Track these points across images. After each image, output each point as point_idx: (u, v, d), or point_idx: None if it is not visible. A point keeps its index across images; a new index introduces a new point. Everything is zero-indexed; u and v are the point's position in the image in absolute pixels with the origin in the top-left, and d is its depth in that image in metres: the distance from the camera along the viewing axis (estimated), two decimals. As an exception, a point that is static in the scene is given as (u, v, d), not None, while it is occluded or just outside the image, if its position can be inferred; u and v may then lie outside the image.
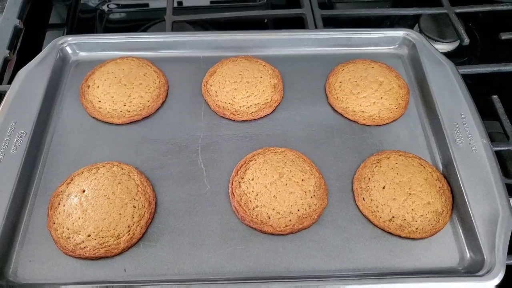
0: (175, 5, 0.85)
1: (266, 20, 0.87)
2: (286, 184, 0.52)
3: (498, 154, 0.55)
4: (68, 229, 0.48)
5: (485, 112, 0.59)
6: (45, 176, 0.54)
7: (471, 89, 0.60)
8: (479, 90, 0.64)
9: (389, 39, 0.68)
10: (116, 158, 0.55)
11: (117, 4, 0.90)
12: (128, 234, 0.48)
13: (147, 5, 0.90)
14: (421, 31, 0.78)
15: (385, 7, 0.88)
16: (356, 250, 0.49)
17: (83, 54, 0.67)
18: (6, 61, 0.67)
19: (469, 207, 0.49)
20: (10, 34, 0.70)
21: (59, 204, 0.51)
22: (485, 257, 0.46)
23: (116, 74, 0.62)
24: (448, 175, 0.54)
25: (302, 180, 0.52)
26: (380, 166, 0.54)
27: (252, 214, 0.50)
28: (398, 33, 0.67)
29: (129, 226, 0.49)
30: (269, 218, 0.50)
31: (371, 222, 0.51)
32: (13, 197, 0.50)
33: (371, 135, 0.59)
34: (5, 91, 0.59)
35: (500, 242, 0.47)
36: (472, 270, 0.47)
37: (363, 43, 0.68)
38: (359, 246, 0.49)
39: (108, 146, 0.57)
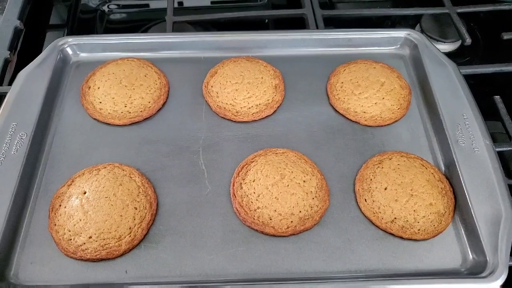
0: (176, 5, 0.85)
1: (267, 21, 0.87)
2: (288, 186, 0.51)
3: (500, 155, 0.55)
4: (69, 231, 0.48)
5: (487, 113, 0.59)
6: (46, 178, 0.54)
7: (473, 89, 0.60)
8: (481, 90, 0.63)
9: (390, 39, 0.68)
10: (117, 159, 0.55)
11: (118, 5, 0.90)
12: (130, 236, 0.48)
13: (147, 5, 0.90)
14: (422, 31, 0.78)
15: (386, 7, 0.88)
16: (358, 251, 0.49)
17: (83, 55, 0.66)
18: (6, 62, 0.67)
19: (471, 208, 0.49)
20: (11, 35, 0.70)
21: (60, 205, 0.50)
22: (487, 258, 0.46)
23: (116, 75, 0.62)
24: (450, 176, 0.54)
25: (304, 181, 0.52)
26: (382, 167, 0.54)
27: (254, 216, 0.50)
28: (400, 33, 0.67)
29: (130, 228, 0.49)
30: (270, 219, 0.50)
31: (373, 223, 0.50)
32: (14, 199, 0.50)
33: (372, 136, 0.58)
34: (6, 93, 0.59)
35: (503, 243, 0.46)
36: (475, 271, 0.47)
37: (365, 43, 0.68)
38: (361, 247, 0.49)
39: (109, 148, 0.57)
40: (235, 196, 0.52)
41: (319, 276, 0.47)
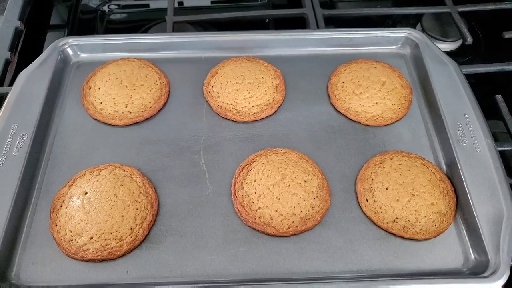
0: (176, 5, 0.85)
1: (267, 20, 0.87)
2: (289, 185, 0.51)
3: (502, 154, 0.54)
4: (71, 232, 0.48)
5: (489, 112, 0.59)
6: (47, 178, 0.54)
7: (474, 88, 0.60)
8: (482, 89, 0.63)
9: (391, 39, 0.67)
10: (118, 160, 0.55)
11: (118, 5, 0.90)
12: (131, 236, 0.48)
13: (147, 5, 0.90)
14: (423, 30, 0.78)
15: (387, 6, 0.88)
16: (359, 251, 0.49)
17: (84, 55, 0.66)
18: (7, 62, 0.67)
19: (473, 208, 0.49)
20: (11, 35, 0.70)
21: (61, 206, 0.50)
22: (489, 258, 0.46)
23: (117, 75, 0.62)
24: (452, 176, 0.54)
25: (305, 181, 0.52)
26: (383, 167, 0.54)
27: (255, 216, 0.50)
28: (401, 33, 0.67)
29: (131, 228, 0.49)
30: (271, 219, 0.50)
31: (375, 223, 0.50)
32: (15, 200, 0.50)
33: (374, 136, 0.58)
34: (7, 93, 0.59)
35: (505, 243, 0.46)
36: (477, 271, 0.46)
37: (365, 42, 0.67)
38: (362, 247, 0.49)
39: (110, 148, 0.57)
40: (236, 196, 0.52)
41: (320, 276, 0.47)
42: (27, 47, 0.75)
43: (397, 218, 0.50)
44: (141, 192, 0.51)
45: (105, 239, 0.48)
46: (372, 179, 0.53)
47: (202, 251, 0.48)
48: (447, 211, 0.51)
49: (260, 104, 0.60)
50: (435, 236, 0.49)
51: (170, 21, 0.73)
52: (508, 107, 0.62)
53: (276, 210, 0.50)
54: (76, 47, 0.66)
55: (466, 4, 0.77)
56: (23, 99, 0.58)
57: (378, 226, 0.50)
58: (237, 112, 0.60)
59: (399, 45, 0.68)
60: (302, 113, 0.61)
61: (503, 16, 0.80)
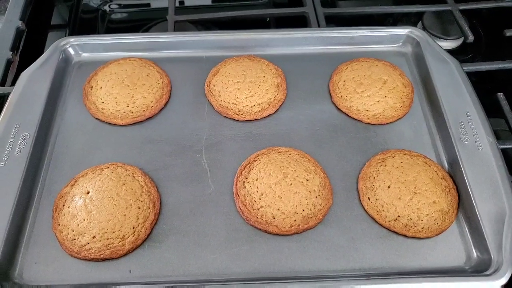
0: (177, 4, 0.85)
1: (268, 19, 0.86)
2: (291, 184, 0.51)
3: (504, 152, 0.54)
4: (73, 231, 0.48)
5: (490, 110, 0.59)
6: (50, 178, 0.54)
7: (475, 86, 0.60)
8: (483, 87, 0.63)
9: (392, 37, 0.67)
10: (120, 159, 0.55)
11: (119, 4, 0.90)
12: (133, 236, 0.48)
13: (148, 5, 0.90)
14: (424, 29, 0.78)
15: (388, 4, 0.88)
16: (361, 250, 0.49)
17: (85, 55, 0.67)
18: (8, 62, 0.67)
19: (475, 206, 0.49)
20: (13, 35, 0.70)
21: (63, 206, 0.51)
22: (492, 256, 0.46)
23: (119, 75, 0.62)
24: (454, 174, 0.54)
25: (307, 180, 0.52)
26: (385, 165, 0.54)
27: (257, 215, 0.50)
28: (402, 31, 0.67)
29: (134, 228, 0.49)
30: (274, 218, 0.50)
31: (377, 222, 0.50)
32: (18, 199, 0.50)
33: (375, 134, 0.58)
34: (8, 93, 0.59)
35: (507, 241, 0.46)
36: (479, 269, 0.46)
37: (367, 41, 0.67)
38: (364, 246, 0.49)
39: (112, 147, 0.57)
40: (238, 195, 0.52)
41: (322, 274, 0.47)
42: (29, 47, 0.75)
43: (399, 216, 0.50)
44: (143, 191, 0.51)
45: (107, 238, 0.48)
46: (374, 178, 0.53)
47: (204, 250, 0.49)
48: (449, 209, 0.51)
49: (261, 103, 0.60)
50: (437, 234, 0.49)
51: (171, 20, 0.73)
52: (509, 105, 0.62)
53: (278, 209, 0.50)
54: (77, 47, 0.66)
55: (467, 2, 0.77)
56: (25, 99, 0.58)
57: (380, 224, 0.50)
58: (239, 111, 0.60)
59: (401, 44, 0.68)
60: (303, 111, 0.61)
61: (504, 14, 0.80)
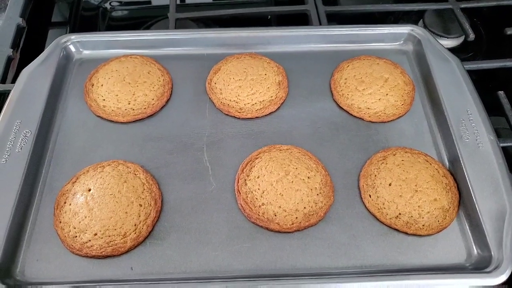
0: (178, 2, 0.84)
1: (269, 17, 0.86)
2: (292, 182, 0.51)
3: (504, 150, 0.54)
4: (75, 228, 0.48)
5: (491, 108, 0.59)
6: (51, 175, 0.54)
7: (476, 85, 0.60)
8: (484, 85, 0.63)
9: (394, 35, 0.67)
10: (121, 156, 0.55)
11: (120, 2, 0.90)
12: (135, 233, 0.48)
13: (149, 2, 0.90)
14: (425, 27, 0.78)
15: (389, 2, 0.87)
16: (363, 247, 0.49)
17: (86, 52, 0.66)
18: (9, 60, 0.67)
19: (476, 204, 0.49)
20: (13, 33, 0.70)
21: (65, 203, 0.51)
22: (492, 253, 0.46)
23: (120, 72, 0.62)
24: (455, 172, 0.54)
25: (308, 177, 0.52)
26: (386, 163, 0.54)
27: (258, 212, 0.50)
28: (403, 29, 0.67)
29: (135, 225, 0.49)
30: (275, 215, 0.50)
31: (378, 219, 0.51)
32: (19, 197, 0.50)
33: (376, 132, 0.58)
34: (9, 90, 0.59)
35: (508, 239, 0.46)
36: (480, 266, 0.47)
37: (368, 39, 0.67)
38: (365, 243, 0.49)
39: (113, 145, 0.57)
40: (240, 193, 0.52)
41: (324, 272, 0.47)
42: (29, 44, 0.75)
43: (400, 214, 0.50)
44: (144, 189, 0.51)
45: (109, 236, 0.48)
46: (375, 175, 0.53)
47: (206, 247, 0.49)
48: (450, 207, 0.51)
49: (263, 100, 0.60)
50: (438, 232, 0.50)
51: (172, 18, 0.73)
52: (510, 103, 0.62)
53: (280, 206, 0.50)
54: (78, 44, 0.66)
55: (468, 0, 0.77)
56: (26, 96, 0.58)
57: (381, 222, 0.50)
58: (240, 108, 0.60)
59: (402, 42, 0.68)
60: (305, 109, 0.61)
61: (505, 12, 0.80)
